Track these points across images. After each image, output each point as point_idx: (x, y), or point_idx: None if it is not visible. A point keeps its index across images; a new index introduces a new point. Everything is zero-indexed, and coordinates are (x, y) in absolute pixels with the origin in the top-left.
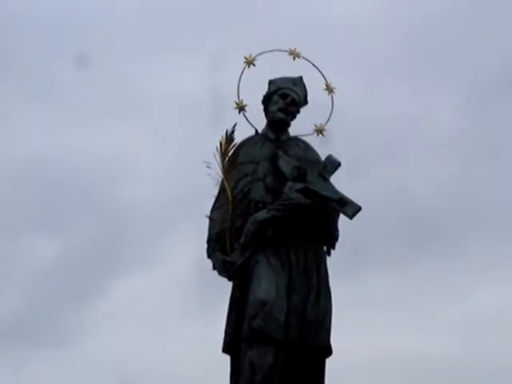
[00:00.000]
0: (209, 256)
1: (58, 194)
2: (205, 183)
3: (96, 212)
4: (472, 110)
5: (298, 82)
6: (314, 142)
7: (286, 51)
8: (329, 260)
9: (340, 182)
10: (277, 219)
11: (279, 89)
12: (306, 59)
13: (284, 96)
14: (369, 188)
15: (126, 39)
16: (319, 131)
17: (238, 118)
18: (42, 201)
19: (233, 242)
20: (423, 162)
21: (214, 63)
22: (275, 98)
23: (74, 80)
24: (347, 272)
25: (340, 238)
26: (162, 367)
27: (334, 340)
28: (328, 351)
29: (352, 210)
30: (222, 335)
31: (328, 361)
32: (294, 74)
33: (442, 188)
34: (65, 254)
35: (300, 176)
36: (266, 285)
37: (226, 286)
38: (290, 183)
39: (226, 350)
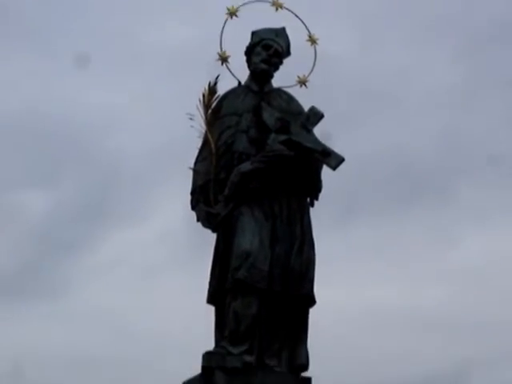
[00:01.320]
0: (193, 208)
1: (48, 145)
2: (192, 135)
3: (86, 164)
4: (463, 63)
5: (281, 32)
6: (296, 92)
7: (268, 2)
8: (316, 211)
9: (330, 134)
10: (260, 171)
11: (262, 40)
12: (289, 10)
13: (267, 47)
14: (358, 140)
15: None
16: (302, 82)
17: (221, 70)
18: (31, 153)
19: (216, 193)
20: (413, 113)
21: (209, 14)
22: (258, 49)
23: (66, 31)
24: (334, 223)
25: (328, 189)
26: (151, 318)
27: (319, 291)
28: (311, 300)
29: (335, 161)
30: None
31: (312, 312)
32: (277, 25)
33: (431, 139)
34: (54, 208)
35: (283, 127)
36: (250, 236)
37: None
38: (273, 135)
39: (210, 300)
